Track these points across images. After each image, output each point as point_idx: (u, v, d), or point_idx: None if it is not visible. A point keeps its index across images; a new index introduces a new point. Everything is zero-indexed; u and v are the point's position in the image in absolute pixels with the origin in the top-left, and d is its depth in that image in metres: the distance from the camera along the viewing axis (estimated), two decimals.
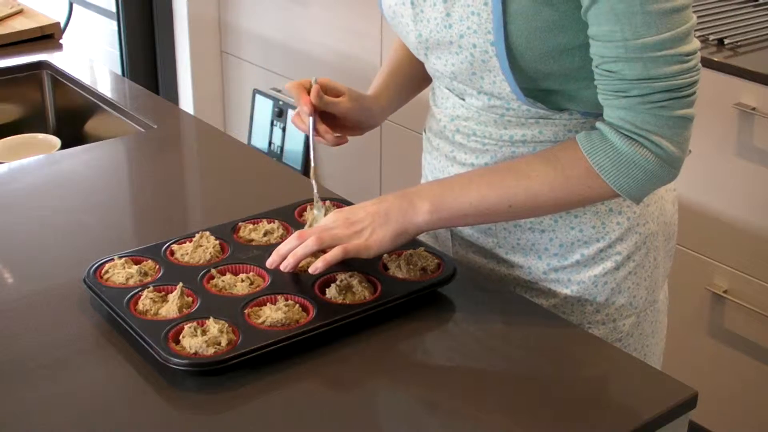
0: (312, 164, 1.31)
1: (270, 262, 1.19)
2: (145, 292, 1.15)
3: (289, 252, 1.17)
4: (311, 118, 1.27)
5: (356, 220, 1.18)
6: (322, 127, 1.29)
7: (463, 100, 1.26)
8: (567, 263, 1.27)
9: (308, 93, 1.27)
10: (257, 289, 1.18)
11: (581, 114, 1.21)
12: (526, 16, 1.10)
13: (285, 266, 1.17)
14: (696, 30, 1.11)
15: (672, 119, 1.09)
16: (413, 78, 1.42)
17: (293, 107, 3.17)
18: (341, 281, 1.18)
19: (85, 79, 2.02)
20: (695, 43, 1.08)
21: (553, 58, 1.13)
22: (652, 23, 1.04)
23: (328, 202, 1.38)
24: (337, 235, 1.17)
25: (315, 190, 1.32)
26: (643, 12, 1.03)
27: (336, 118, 1.32)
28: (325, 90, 1.29)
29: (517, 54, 1.12)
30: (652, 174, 1.11)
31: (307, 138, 1.33)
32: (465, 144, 1.27)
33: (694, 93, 1.10)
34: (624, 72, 1.07)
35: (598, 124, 1.14)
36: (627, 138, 1.10)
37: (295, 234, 1.19)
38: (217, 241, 1.26)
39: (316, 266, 1.15)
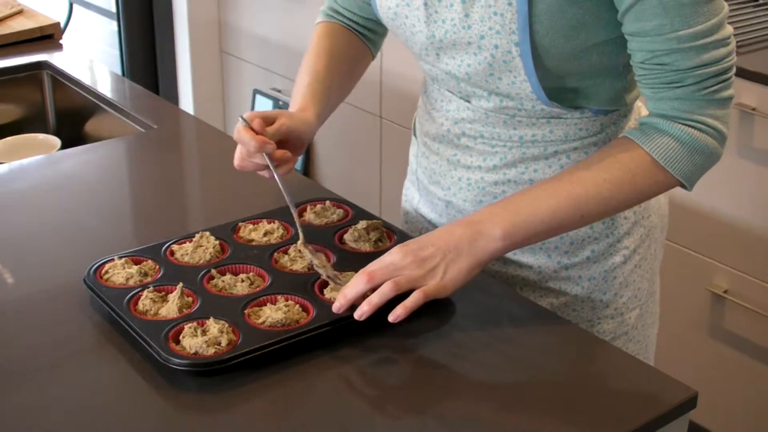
0: (289, 201, 1.21)
1: (337, 307, 1.11)
2: (145, 293, 1.15)
3: (357, 296, 1.10)
4: (267, 155, 1.18)
5: (426, 257, 1.12)
6: (280, 152, 1.20)
7: (469, 102, 1.25)
8: (577, 260, 1.28)
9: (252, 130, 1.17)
10: (257, 289, 1.18)
11: (593, 112, 1.22)
12: (552, 14, 1.10)
13: (361, 315, 1.09)
14: None
15: (721, 101, 1.12)
16: (338, 86, 1.35)
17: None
18: (341, 281, 1.18)
19: (85, 79, 2.02)
20: (730, 27, 1.11)
21: (574, 56, 1.14)
22: (701, 11, 1.06)
23: (328, 202, 1.38)
24: (412, 276, 1.11)
25: (300, 234, 1.22)
26: (692, 2, 1.05)
27: (279, 145, 1.22)
28: (264, 122, 1.20)
29: (541, 53, 1.12)
30: (710, 156, 1.14)
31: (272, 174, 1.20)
32: (472, 147, 1.27)
33: (734, 73, 1.13)
34: (678, 63, 1.09)
35: (650, 119, 1.14)
36: (685, 126, 1.12)
37: (362, 276, 1.11)
38: (217, 241, 1.26)
39: (397, 314, 1.09)
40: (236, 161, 1.22)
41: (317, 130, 1.31)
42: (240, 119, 1.19)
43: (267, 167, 1.20)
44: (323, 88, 1.32)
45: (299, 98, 1.31)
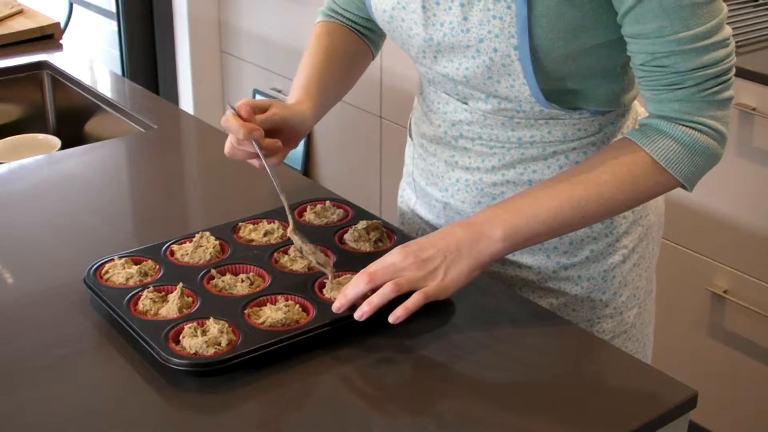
0: (278, 186, 1.20)
1: (337, 307, 1.10)
2: (145, 293, 1.15)
3: (358, 296, 1.11)
4: (256, 142, 1.17)
5: (427, 258, 1.12)
6: (269, 141, 1.19)
7: (467, 104, 1.25)
8: (576, 260, 1.28)
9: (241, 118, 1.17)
10: (257, 289, 1.18)
11: (591, 113, 1.22)
12: (551, 18, 1.10)
13: (361, 315, 1.09)
14: None
15: (721, 102, 1.12)
16: (335, 82, 1.35)
17: None
18: (341, 281, 1.18)
19: (85, 79, 2.02)
20: (729, 28, 1.11)
21: (573, 59, 1.14)
22: (700, 13, 1.06)
23: (328, 202, 1.38)
24: (413, 278, 1.11)
25: (290, 221, 1.22)
26: (692, 4, 1.05)
27: (269, 136, 1.22)
28: (253, 110, 1.20)
29: (540, 56, 1.12)
30: (711, 157, 1.14)
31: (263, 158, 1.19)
32: (470, 148, 1.27)
33: (734, 74, 1.13)
34: (678, 65, 1.09)
35: (650, 120, 1.14)
36: (685, 128, 1.12)
37: (363, 276, 1.11)
38: (217, 241, 1.26)
39: (397, 315, 1.09)
40: (226, 149, 1.22)
41: (313, 124, 1.31)
42: (228, 107, 1.19)
43: (257, 155, 1.20)
44: (320, 84, 1.32)
45: (296, 92, 1.31)
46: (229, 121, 1.17)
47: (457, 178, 1.30)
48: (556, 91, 1.18)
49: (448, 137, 1.28)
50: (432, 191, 1.34)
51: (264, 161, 1.19)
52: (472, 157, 1.27)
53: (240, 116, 1.17)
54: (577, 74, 1.16)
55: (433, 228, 1.37)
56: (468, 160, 1.28)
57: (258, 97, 3.38)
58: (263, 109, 1.22)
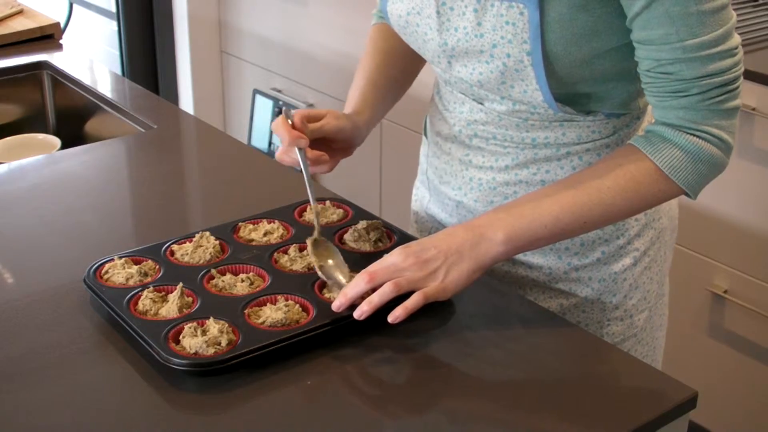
0: (311, 198, 1.23)
1: (337, 306, 1.11)
2: (145, 293, 1.15)
3: (358, 296, 1.11)
4: (299, 150, 1.21)
5: (428, 259, 1.12)
6: (315, 153, 1.25)
7: (482, 104, 1.25)
8: (587, 261, 1.28)
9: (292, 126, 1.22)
10: (257, 289, 1.18)
11: (605, 115, 1.22)
12: (563, 23, 1.10)
13: (360, 315, 1.10)
14: None
15: (727, 111, 1.12)
16: (391, 86, 1.38)
17: (293, 107, 3.17)
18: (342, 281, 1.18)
19: (85, 79, 2.02)
20: (738, 37, 1.10)
21: (587, 63, 1.14)
22: (707, 22, 1.06)
23: (328, 202, 1.38)
24: (412, 278, 1.11)
25: (316, 225, 1.24)
26: (698, 12, 1.05)
27: (323, 144, 1.28)
28: (306, 119, 1.24)
29: (553, 62, 1.12)
30: (715, 166, 1.14)
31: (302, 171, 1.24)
32: (484, 147, 1.27)
33: (741, 84, 1.13)
34: (683, 72, 1.08)
35: (655, 127, 1.14)
36: (690, 136, 1.12)
37: (363, 276, 1.12)
38: (217, 241, 1.26)
39: (396, 315, 1.09)
40: (277, 154, 1.26)
41: (368, 134, 1.35)
42: (284, 112, 1.22)
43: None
44: (375, 90, 1.36)
45: (353, 101, 1.35)
46: (278, 127, 1.21)
47: (470, 176, 1.30)
48: (570, 94, 1.18)
49: (462, 136, 1.29)
50: (445, 190, 1.34)
51: (304, 171, 1.22)
52: (485, 156, 1.27)
53: (292, 124, 1.21)
54: (590, 78, 1.16)
55: (446, 227, 1.37)
56: (482, 159, 1.28)
57: (258, 97, 3.38)
58: (318, 118, 1.26)
